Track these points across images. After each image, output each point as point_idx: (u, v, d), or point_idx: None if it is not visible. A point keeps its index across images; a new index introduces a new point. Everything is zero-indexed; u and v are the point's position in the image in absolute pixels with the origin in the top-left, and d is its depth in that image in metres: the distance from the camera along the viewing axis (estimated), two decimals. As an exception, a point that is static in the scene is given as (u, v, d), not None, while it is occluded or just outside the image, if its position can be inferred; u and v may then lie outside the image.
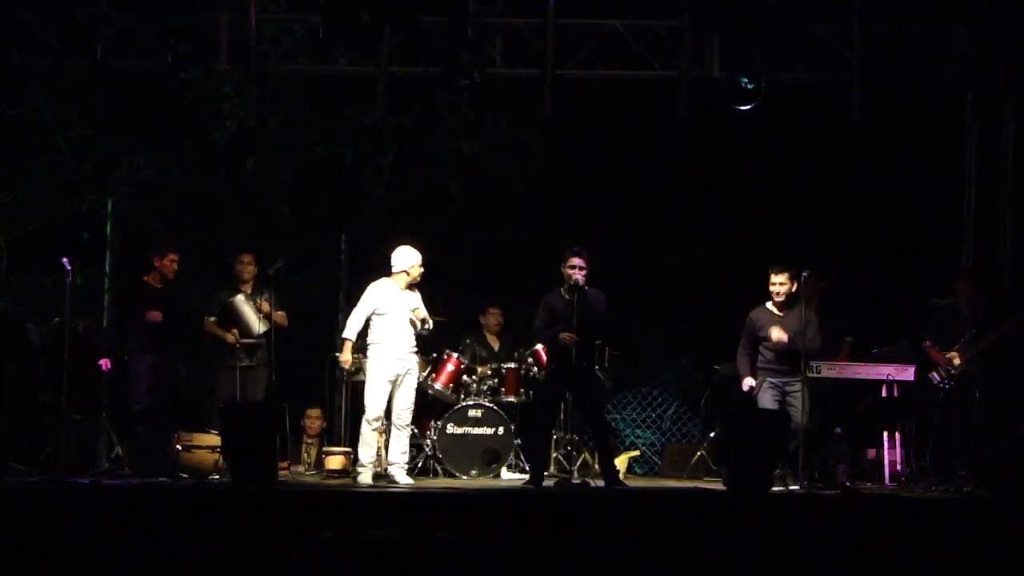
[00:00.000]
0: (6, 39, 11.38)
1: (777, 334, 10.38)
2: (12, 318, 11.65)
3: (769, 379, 10.50)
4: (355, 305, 10.81)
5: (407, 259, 10.64)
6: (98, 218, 12.76)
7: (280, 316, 11.16)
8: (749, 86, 11.08)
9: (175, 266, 10.78)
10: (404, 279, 10.63)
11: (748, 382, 10.58)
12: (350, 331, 10.65)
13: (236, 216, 12.95)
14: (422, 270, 10.67)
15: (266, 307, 11.04)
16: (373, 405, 10.55)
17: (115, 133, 12.66)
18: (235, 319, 11.12)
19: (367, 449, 10.60)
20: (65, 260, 10.20)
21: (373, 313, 10.61)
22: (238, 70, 11.66)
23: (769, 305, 10.62)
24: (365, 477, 10.52)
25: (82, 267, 11.56)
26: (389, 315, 10.60)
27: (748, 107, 11.14)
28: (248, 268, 11.28)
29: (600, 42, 11.55)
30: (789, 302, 10.54)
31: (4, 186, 12.62)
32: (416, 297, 10.70)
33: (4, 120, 12.23)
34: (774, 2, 10.99)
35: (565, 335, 10.20)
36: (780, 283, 10.51)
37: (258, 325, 11.03)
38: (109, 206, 12.73)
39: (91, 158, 12.75)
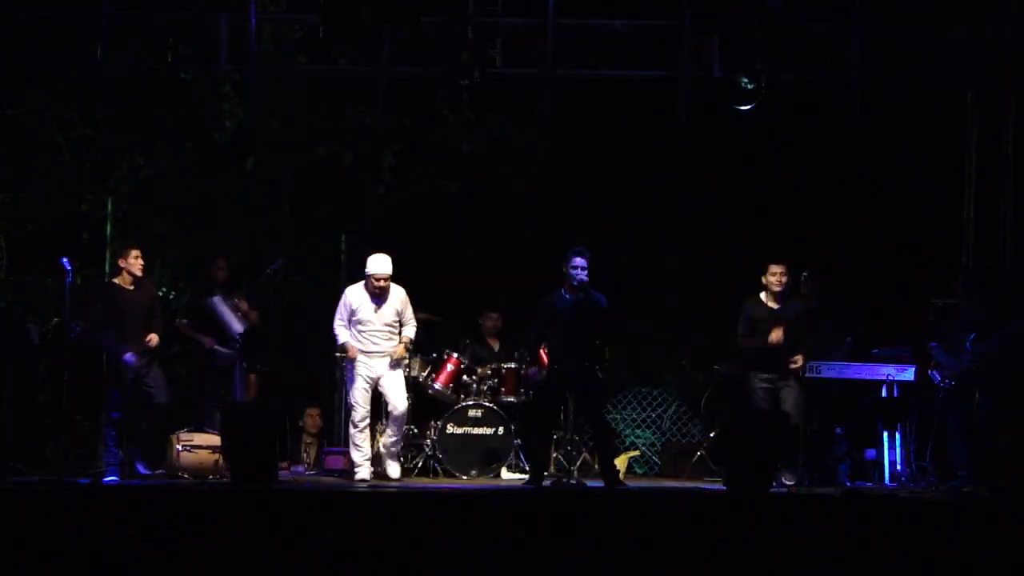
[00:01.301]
0: (6, 39, 11.38)
1: (774, 335, 10.42)
2: (12, 318, 11.64)
3: (760, 375, 10.54)
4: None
5: (369, 266, 10.77)
6: (98, 218, 12.75)
7: (253, 315, 11.16)
8: (749, 86, 11.08)
9: (140, 262, 10.65)
10: (370, 285, 10.73)
11: (776, 334, 10.53)
12: (340, 337, 10.86)
13: (236, 216, 12.94)
14: (381, 281, 10.68)
15: (244, 306, 11.07)
16: (354, 408, 10.71)
17: (115, 133, 12.65)
18: (214, 321, 11.09)
19: (358, 452, 10.70)
20: (65, 260, 10.19)
21: (350, 318, 10.78)
22: (238, 70, 11.67)
23: (763, 296, 10.65)
24: (363, 473, 10.61)
25: (82, 267, 11.55)
26: (359, 321, 10.79)
27: (748, 107, 11.14)
28: (222, 272, 11.31)
29: (600, 42, 11.56)
30: (785, 295, 10.57)
31: (4, 186, 12.60)
32: (391, 300, 10.74)
33: (4, 120, 12.23)
34: (774, 2, 10.99)
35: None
36: (781, 272, 10.55)
37: (238, 324, 11.03)
38: (109, 206, 12.72)
39: (91, 158, 12.74)
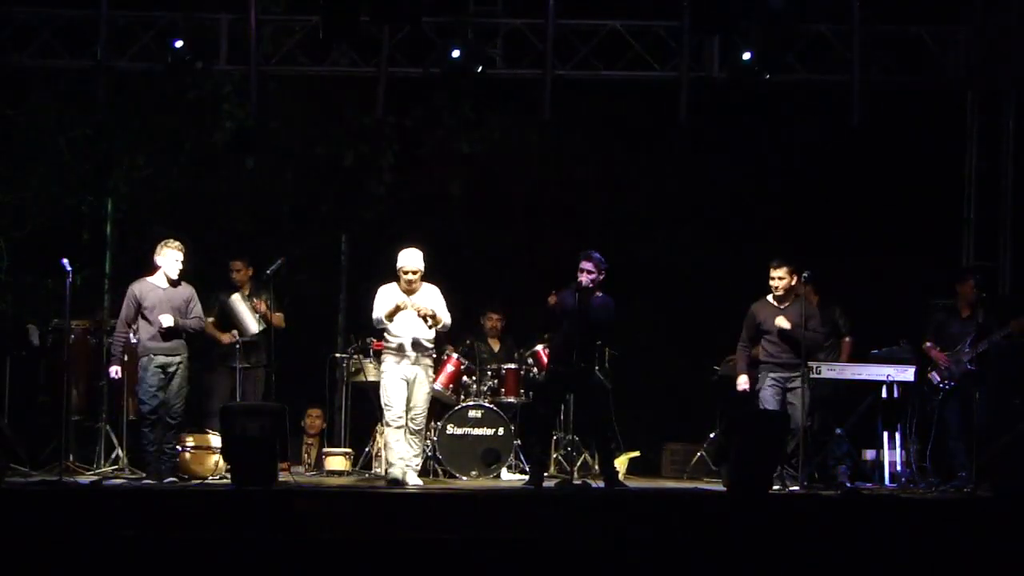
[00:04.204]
0: (6, 39, 11.40)
1: (781, 321, 10.44)
2: (12, 319, 11.64)
3: (771, 375, 10.53)
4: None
5: (399, 260, 10.46)
6: (98, 219, 12.75)
7: (277, 318, 11.13)
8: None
9: (180, 263, 10.45)
10: (401, 280, 10.46)
11: (743, 382, 10.65)
12: (382, 316, 10.40)
13: (236, 216, 12.94)
14: (409, 274, 10.38)
15: (263, 307, 11.02)
16: (388, 407, 10.43)
17: (115, 133, 12.64)
18: (232, 319, 11.11)
19: (391, 451, 10.50)
20: (65, 261, 10.17)
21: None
22: (238, 70, 11.67)
23: (770, 298, 10.66)
24: (395, 472, 10.39)
25: (81, 268, 11.54)
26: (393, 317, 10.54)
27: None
28: (240, 274, 11.25)
29: (600, 42, 11.57)
30: (789, 296, 10.58)
31: (4, 186, 12.59)
32: (422, 296, 10.43)
33: (4, 120, 12.23)
34: (774, 2, 11.00)
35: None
36: (779, 277, 10.57)
37: (255, 325, 11.01)
38: (109, 206, 12.72)
39: (91, 158, 12.73)
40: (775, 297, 10.62)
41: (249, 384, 11.08)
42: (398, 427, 10.43)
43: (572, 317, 10.18)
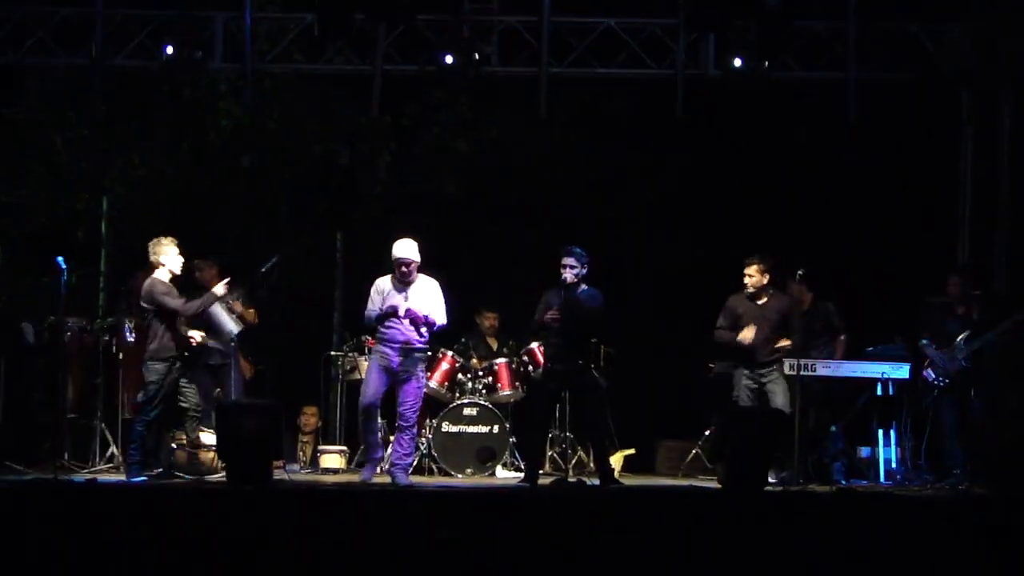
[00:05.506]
0: (3, 38, 11.40)
1: (746, 334, 10.45)
2: (8, 317, 11.64)
3: (745, 372, 10.57)
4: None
5: (393, 251, 10.22)
6: (93, 217, 12.74)
7: (250, 314, 11.08)
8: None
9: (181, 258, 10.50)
10: (396, 272, 10.24)
11: (746, 332, 10.55)
12: (374, 315, 10.25)
13: (232, 215, 12.93)
14: (404, 266, 10.17)
15: (239, 307, 10.95)
16: (363, 396, 10.27)
17: (111, 132, 12.64)
18: (210, 322, 10.90)
19: (364, 445, 10.50)
20: (60, 259, 10.17)
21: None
22: (234, 69, 11.68)
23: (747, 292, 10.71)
24: (366, 474, 10.36)
25: (77, 266, 11.53)
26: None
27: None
28: (205, 274, 11.11)
29: (595, 41, 11.57)
30: (763, 292, 10.60)
31: (1, 185, 12.59)
32: (419, 290, 10.23)
33: (1, 119, 12.23)
34: (771, 1, 11.02)
35: (549, 317, 10.18)
36: (748, 275, 10.62)
37: (234, 327, 10.89)
38: (104, 205, 12.71)
39: (87, 157, 12.72)
40: (748, 294, 10.67)
41: (225, 381, 10.93)
42: (365, 418, 10.23)
43: (562, 315, 10.17)
